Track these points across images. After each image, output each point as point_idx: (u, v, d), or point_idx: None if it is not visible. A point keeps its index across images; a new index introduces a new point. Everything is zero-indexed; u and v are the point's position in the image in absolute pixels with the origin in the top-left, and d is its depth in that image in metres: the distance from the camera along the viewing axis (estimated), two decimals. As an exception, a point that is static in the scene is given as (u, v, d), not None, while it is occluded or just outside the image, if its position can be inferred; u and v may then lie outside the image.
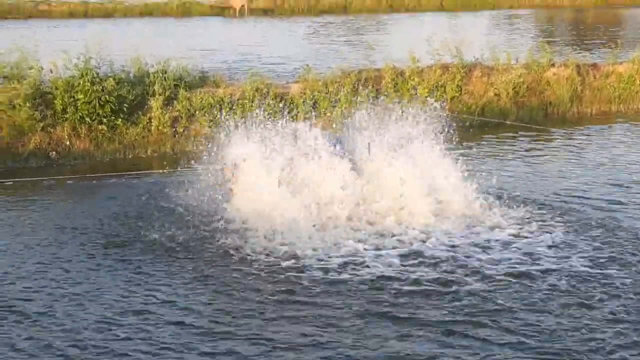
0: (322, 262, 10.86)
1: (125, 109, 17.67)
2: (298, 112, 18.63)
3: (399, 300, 9.72)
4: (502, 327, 8.95)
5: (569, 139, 19.39)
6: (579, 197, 14.01)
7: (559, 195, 14.12)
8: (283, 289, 10.11)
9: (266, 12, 64.05)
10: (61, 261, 11.16)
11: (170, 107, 18.36)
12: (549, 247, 11.38)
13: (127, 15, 59.49)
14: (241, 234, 11.72)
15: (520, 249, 11.30)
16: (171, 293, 10.05)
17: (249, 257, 11.05)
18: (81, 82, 17.36)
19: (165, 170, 15.93)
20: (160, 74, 18.83)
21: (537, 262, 10.86)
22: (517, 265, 10.74)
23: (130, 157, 17.55)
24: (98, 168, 16.47)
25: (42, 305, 9.68)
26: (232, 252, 11.26)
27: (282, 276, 10.47)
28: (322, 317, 9.30)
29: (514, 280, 10.24)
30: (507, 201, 13.00)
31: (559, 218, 12.54)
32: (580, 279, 10.27)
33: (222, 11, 63.16)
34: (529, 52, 24.10)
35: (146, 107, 18.16)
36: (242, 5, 62.35)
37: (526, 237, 11.73)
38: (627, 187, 14.81)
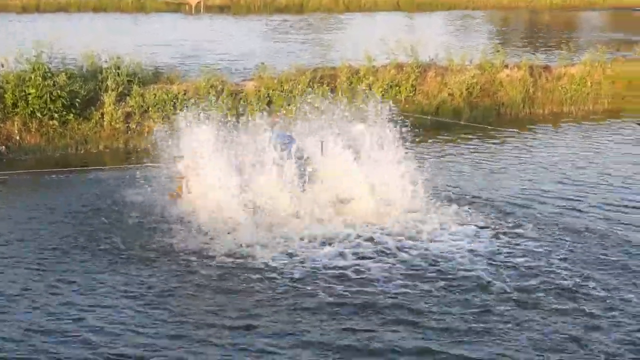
0: (271, 260, 10.82)
1: (77, 104, 17.49)
2: (252, 109, 18.56)
3: (353, 293, 9.73)
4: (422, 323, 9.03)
5: (521, 139, 19.58)
6: (528, 195, 14.16)
7: (508, 193, 14.26)
8: (229, 284, 10.10)
9: (222, 9, 63.82)
10: (6, 255, 11.00)
11: (123, 103, 18.20)
12: (495, 244, 11.48)
13: (81, 10, 58.89)
14: (189, 232, 11.65)
15: (465, 245, 11.38)
16: (116, 290, 9.94)
17: (197, 255, 10.99)
18: (32, 77, 17.15)
19: (117, 166, 15.80)
20: (114, 70, 18.67)
21: (480, 257, 10.94)
22: (460, 260, 10.82)
23: (82, 152, 17.37)
24: (49, 163, 16.26)
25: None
26: (180, 249, 11.18)
27: (229, 273, 10.44)
28: (265, 312, 9.28)
29: (447, 273, 10.31)
30: (457, 199, 13.09)
31: (507, 216, 12.66)
32: (521, 273, 10.37)
33: (177, 8, 62.80)
34: (483, 53, 24.30)
35: (99, 102, 17.99)
36: (198, 2, 62.04)
37: (471, 234, 11.82)
38: (574, 185, 15.00)
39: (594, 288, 10.01)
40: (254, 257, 10.90)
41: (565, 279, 10.28)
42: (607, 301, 9.67)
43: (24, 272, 10.55)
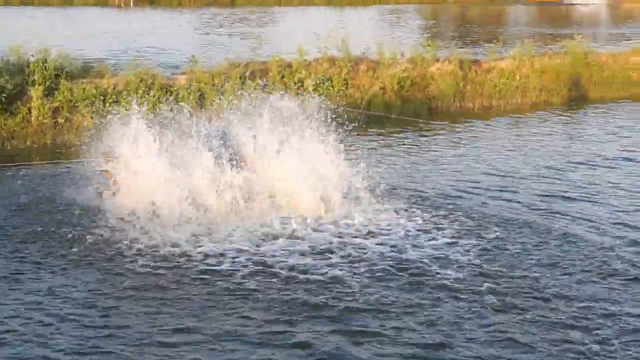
0: (205, 256, 10.73)
1: (3, 99, 17.11)
2: (184, 103, 18.39)
3: (286, 286, 9.70)
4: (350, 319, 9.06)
5: (452, 132, 19.80)
6: (458, 187, 14.31)
7: (439, 185, 14.40)
8: (163, 281, 9.96)
9: (152, 2, 63.26)
10: None
11: (51, 98, 17.88)
12: (426, 237, 11.56)
13: (7, 3, 57.86)
14: (120, 228, 11.48)
15: (394, 239, 11.43)
16: (45, 287, 9.74)
17: (128, 251, 10.83)
18: (-44, 71, 16.75)
19: (44, 162, 15.52)
20: (41, 64, 18.31)
21: (408, 251, 11.01)
22: (388, 253, 10.88)
23: (8, 148, 17.01)
24: (-27, 159, 15.90)
25: None
26: (110, 245, 11.00)
27: (163, 269, 10.29)
28: (200, 308, 9.21)
29: (381, 268, 10.36)
30: (389, 192, 13.14)
31: (439, 208, 12.75)
32: (454, 265, 10.48)
33: (106, 1, 62.07)
34: (414, 47, 24.49)
35: (25, 97, 17.63)
36: (128, -5, 61.35)
37: (400, 228, 11.86)
38: (503, 177, 15.21)
39: (523, 277, 10.14)
40: (188, 254, 10.79)
41: (494, 268, 10.39)
42: (542, 292, 9.79)
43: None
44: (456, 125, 20.80)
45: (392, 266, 10.50)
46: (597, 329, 8.76)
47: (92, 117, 16.94)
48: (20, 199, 13.00)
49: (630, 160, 16.95)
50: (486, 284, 9.90)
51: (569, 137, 19.43)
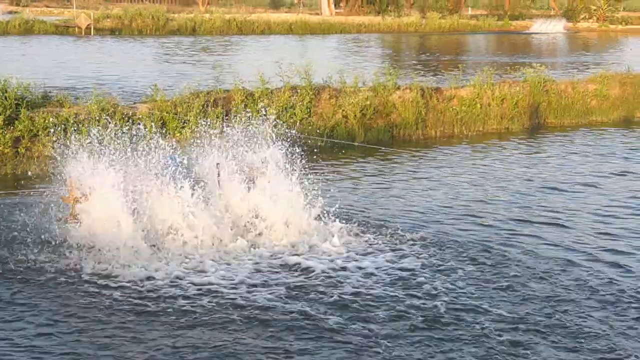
0: (170, 283, 10.67)
1: (-38, 128, 16.91)
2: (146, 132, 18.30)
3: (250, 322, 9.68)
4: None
5: (415, 160, 19.89)
6: (421, 213, 14.39)
7: (401, 212, 14.47)
8: (127, 308, 9.88)
9: (113, 31, 63.10)
10: None
11: (12, 127, 17.69)
12: (388, 263, 11.59)
13: (-34, 33, 57.37)
14: (81, 259, 11.38)
15: (356, 269, 11.45)
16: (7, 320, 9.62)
17: (86, 283, 10.74)
18: None
19: (5, 192, 15.33)
20: (0, 93, 18.14)
21: (374, 275, 11.05)
22: (347, 285, 10.89)
23: (-33, 178, 16.78)
24: None
25: None
26: (70, 278, 10.89)
27: (122, 303, 10.21)
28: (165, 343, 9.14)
29: (346, 299, 10.37)
30: (351, 222, 13.17)
31: (404, 238, 12.78)
32: (422, 292, 10.50)
33: (66, 30, 61.80)
34: (376, 75, 24.65)
35: (-15, 127, 17.42)
36: (88, 24, 61.16)
37: (362, 257, 11.87)
38: (464, 202, 15.34)
39: (489, 305, 10.20)
40: (150, 280, 10.73)
41: (462, 297, 10.44)
42: (504, 318, 9.86)
43: None
44: (419, 152, 20.92)
45: (353, 294, 10.51)
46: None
47: (53, 147, 16.75)
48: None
49: (590, 185, 17.18)
50: (449, 310, 9.95)
51: (530, 163, 19.63)
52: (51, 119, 17.88)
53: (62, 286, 10.64)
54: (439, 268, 11.48)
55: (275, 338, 9.25)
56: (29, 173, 15.71)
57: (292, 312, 9.88)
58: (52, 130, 17.26)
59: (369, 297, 10.42)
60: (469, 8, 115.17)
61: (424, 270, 11.36)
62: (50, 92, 20.03)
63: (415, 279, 11.03)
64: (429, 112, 23.65)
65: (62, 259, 11.41)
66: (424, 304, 10.20)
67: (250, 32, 69.63)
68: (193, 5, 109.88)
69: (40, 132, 17.78)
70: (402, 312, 9.94)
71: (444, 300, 10.27)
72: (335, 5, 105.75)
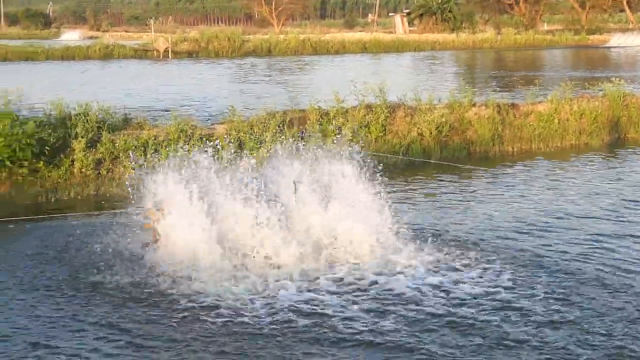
0: (246, 306, 10.75)
1: (46, 151, 17.37)
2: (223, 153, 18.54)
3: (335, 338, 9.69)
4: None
5: (492, 177, 19.71)
6: (500, 231, 14.22)
7: (483, 232, 14.30)
8: (206, 334, 9.98)
9: (190, 54, 64.16)
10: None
11: (94, 150, 18.12)
12: (470, 283, 11.47)
13: (49, 58, 59.00)
14: (164, 278, 11.54)
15: (440, 286, 11.37)
16: (91, 340, 9.81)
17: (172, 302, 10.88)
18: (0, 126, 17.02)
19: (87, 213, 15.70)
20: (82, 117, 18.63)
21: (457, 298, 10.95)
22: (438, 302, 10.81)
23: (52, 200, 17.20)
24: (19, 211, 16.07)
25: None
26: (155, 297, 11.06)
27: (205, 320, 10.32)
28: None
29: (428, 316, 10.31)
30: (431, 239, 13.09)
31: (483, 255, 12.65)
32: (505, 310, 10.38)
33: (145, 54, 63.09)
34: (451, 92, 24.55)
35: (68, 149, 17.89)
36: (166, 48, 62.32)
37: (446, 275, 11.79)
38: (546, 220, 15.09)
39: (569, 322, 10.04)
40: (227, 299, 10.83)
41: (543, 315, 10.29)
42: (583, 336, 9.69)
43: (8, 319, 10.43)
44: (496, 169, 20.72)
45: (436, 312, 10.45)
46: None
47: (133, 169, 17.12)
48: (64, 250, 13.15)
49: (674, 201, 16.77)
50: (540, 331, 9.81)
51: (610, 179, 19.26)
52: (131, 141, 18.26)
53: (143, 306, 10.79)
54: (523, 286, 11.32)
55: (360, 357, 9.23)
56: (110, 194, 16.05)
57: (374, 331, 9.86)
58: (130, 152, 17.66)
59: (452, 316, 10.34)
60: (545, 23, 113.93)
61: (506, 288, 11.22)
62: (130, 114, 20.46)
63: (498, 297, 10.91)
64: (505, 128, 23.44)
65: (144, 280, 11.59)
66: (513, 323, 10.08)
67: (324, 51, 70.05)
68: (268, 26, 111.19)
69: (121, 154, 18.17)
70: (482, 330, 9.85)
71: (541, 322, 10.14)
72: (409, 23, 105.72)
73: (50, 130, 17.72)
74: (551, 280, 11.59)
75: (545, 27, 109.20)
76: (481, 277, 11.65)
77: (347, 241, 12.53)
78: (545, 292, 11.08)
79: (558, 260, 12.52)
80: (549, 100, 24.81)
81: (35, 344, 9.65)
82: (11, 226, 14.99)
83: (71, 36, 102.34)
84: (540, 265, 12.25)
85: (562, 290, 11.17)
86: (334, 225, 12.58)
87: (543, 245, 13.43)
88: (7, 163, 16.99)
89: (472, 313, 10.39)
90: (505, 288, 11.24)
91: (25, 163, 17.13)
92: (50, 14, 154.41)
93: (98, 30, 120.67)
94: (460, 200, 17.02)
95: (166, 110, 24.49)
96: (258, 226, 12.29)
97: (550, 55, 71.22)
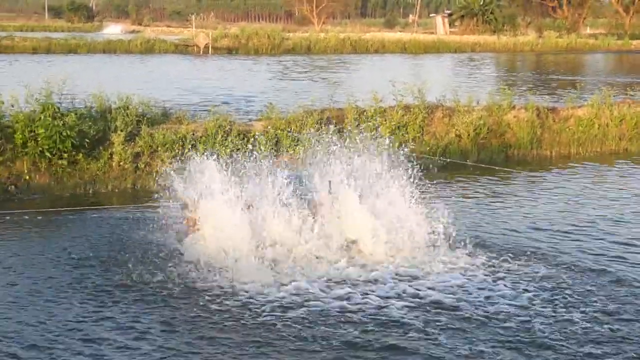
0: (281, 300, 10.79)
1: (86, 144, 17.55)
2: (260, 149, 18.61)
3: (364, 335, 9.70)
4: None
5: (530, 180, 19.59)
6: (536, 236, 14.13)
7: (518, 235, 14.23)
8: (239, 326, 10.04)
9: (230, 50, 64.39)
10: (16, 296, 10.97)
11: (132, 143, 18.27)
12: (505, 287, 11.41)
13: (90, 51, 59.53)
14: (201, 272, 11.62)
15: (473, 288, 11.33)
16: (128, 331, 9.91)
17: (208, 295, 10.95)
18: (42, 117, 17.24)
19: (125, 206, 15.85)
20: (122, 110, 18.79)
21: (490, 302, 10.91)
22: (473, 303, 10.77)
23: (90, 192, 17.40)
24: (58, 203, 16.29)
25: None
26: (192, 290, 11.14)
27: (239, 314, 10.39)
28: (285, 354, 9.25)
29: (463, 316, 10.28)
30: (465, 240, 13.03)
31: (519, 261, 12.57)
32: (531, 321, 10.32)
33: (185, 49, 63.43)
34: (490, 94, 24.42)
35: (107, 142, 18.05)
36: (206, 44, 62.61)
37: (478, 277, 11.75)
38: (585, 227, 14.95)
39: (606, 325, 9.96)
40: (260, 296, 10.87)
41: (578, 322, 10.22)
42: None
43: (37, 308, 10.56)
44: (533, 173, 20.60)
45: (471, 316, 10.42)
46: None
47: (171, 163, 17.24)
48: (102, 242, 13.29)
49: None
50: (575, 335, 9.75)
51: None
52: (170, 136, 18.39)
53: (181, 300, 10.87)
54: (560, 291, 11.25)
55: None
56: (148, 187, 16.18)
57: (408, 333, 9.85)
58: (170, 146, 17.78)
59: (487, 317, 10.31)
60: (587, 27, 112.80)
61: (544, 293, 11.16)
62: (169, 109, 20.59)
63: (535, 301, 10.85)
64: (544, 132, 23.29)
65: (181, 274, 11.66)
66: (543, 330, 10.03)
67: (364, 50, 69.97)
68: (309, 24, 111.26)
69: (159, 148, 18.30)
70: (523, 335, 9.81)
71: (575, 329, 10.08)
72: (450, 25, 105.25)
73: (90, 123, 17.89)
74: (590, 284, 11.50)
75: (588, 30, 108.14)
76: (519, 282, 11.58)
77: (383, 240, 12.52)
78: (583, 295, 11.01)
79: (594, 264, 12.42)
80: (589, 104, 24.61)
81: (80, 338, 9.79)
82: (51, 217, 15.18)
83: (113, 30, 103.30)
84: (579, 269, 12.15)
85: (603, 296, 11.10)
86: (371, 224, 12.57)
87: (579, 248, 13.32)
88: (48, 154, 17.20)
89: (507, 317, 10.34)
90: (529, 291, 11.20)
91: (65, 155, 17.32)
92: (94, 7, 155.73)
93: (140, 24, 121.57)
94: (496, 203, 16.93)
95: (205, 106, 24.61)
96: (296, 223, 12.35)
97: (591, 60, 70.54)
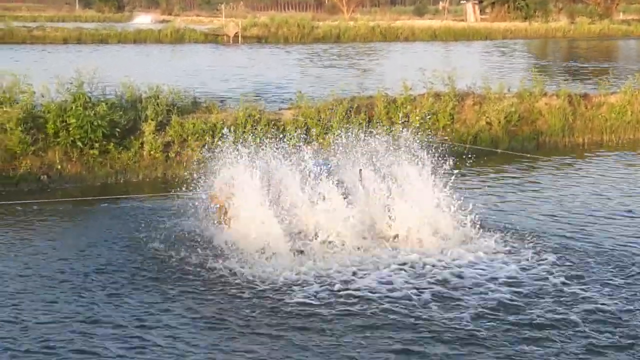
0: (312, 288, 10.79)
1: (117, 133, 17.64)
2: (290, 138, 18.60)
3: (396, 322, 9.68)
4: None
5: (561, 168, 19.43)
6: (568, 225, 14.01)
7: (549, 223, 14.12)
8: (273, 315, 10.06)
9: (260, 39, 64.40)
10: (50, 286, 11.06)
11: (163, 132, 18.34)
12: (534, 273, 11.34)
13: (121, 41, 59.80)
14: (231, 261, 11.64)
15: (505, 276, 11.27)
16: (161, 321, 9.96)
17: (240, 284, 10.98)
18: (73, 107, 17.34)
19: (156, 195, 15.92)
20: (153, 100, 18.85)
21: (518, 287, 10.84)
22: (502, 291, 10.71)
23: (121, 181, 17.51)
24: (89, 192, 16.42)
25: (25, 335, 9.54)
26: (222, 279, 11.17)
27: (272, 302, 10.41)
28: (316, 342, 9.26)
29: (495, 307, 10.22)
30: (499, 230, 12.96)
31: (547, 247, 12.48)
32: (566, 304, 10.24)
33: (215, 39, 63.55)
34: (521, 81, 24.22)
35: (138, 132, 18.13)
36: (236, 33, 62.68)
37: (510, 264, 11.68)
38: (618, 216, 14.80)
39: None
40: (295, 285, 10.89)
41: (614, 313, 10.13)
42: None
43: (70, 295, 10.67)
44: (565, 160, 20.42)
45: (501, 303, 10.36)
46: None
47: (201, 152, 17.27)
48: (132, 230, 13.36)
49: None
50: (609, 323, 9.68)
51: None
52: (200, 125, 18.43)
53: (214, 288, 10.91)
54: (589, 280, 11.16)
55: (421, 344, 9.21)
56: (178, 177, 16.24)
57: (433, 320, 9.83)
58: (200, 136, 17.81)
59: (515, 306, 10.26)
60: (621, 13, 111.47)
61: (573, 283, 11.07)
62: (199, 98, 20.64)
63: (563, 290, 10.77)
64: (576, 119, 23.07)
65: (211, 261, 11.70)
66: (574, 318, 9.96)
67: (394, 38, 69.65)
68: (338, 13, 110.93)
69: (189, 137, 18.36)
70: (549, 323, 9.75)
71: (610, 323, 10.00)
72: (480, 12, 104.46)
73: (121, 113, 17.97)
74: (622, 275, 11.40)
75: (621, 16, 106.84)
76: (548, 271, 11.50)
77: (412, 228, 12.49)
78: (606, 289, 10.91)
79: (613, 254, 12.31)
80: (622, 91, 24.33)
81: (121, 326, 9.87)
82: (83, 207, 15.30)
83: (143, 20, 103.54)
84: (597, 259, 12.08)
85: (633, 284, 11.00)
86: (398, 212, 12.54)
87: (603, 240, 13.12)
88: (79, 144, 17.32)
89: (540, 307, 10.28)
90: (555, 279, 11.14)
91: (96, 144, 17.43)
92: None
93: (170, 14, 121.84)
94: (527, 191, 16.81)
95: (235, 95, 24.64)
96: (325, 212, 12.34)
97: (625, 46, 69.75)
